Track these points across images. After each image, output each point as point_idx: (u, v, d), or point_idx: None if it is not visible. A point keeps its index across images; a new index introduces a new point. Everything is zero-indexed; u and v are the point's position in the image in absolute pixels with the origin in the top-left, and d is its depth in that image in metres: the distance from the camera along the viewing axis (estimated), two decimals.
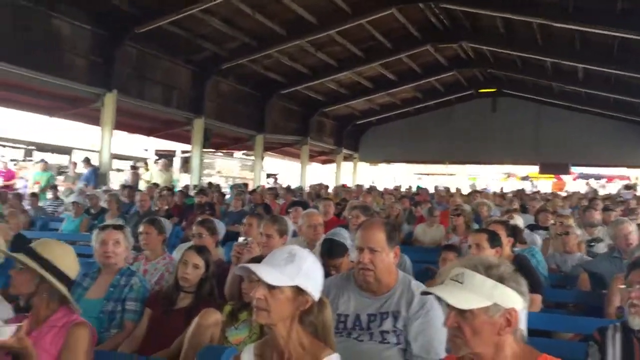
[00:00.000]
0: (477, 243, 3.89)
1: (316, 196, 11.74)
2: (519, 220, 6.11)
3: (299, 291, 1.96)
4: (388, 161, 25.52)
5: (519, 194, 15.08)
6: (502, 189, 19.84)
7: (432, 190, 15.73)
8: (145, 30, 11.92)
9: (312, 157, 22.29)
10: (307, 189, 15.63)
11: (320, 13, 12.93)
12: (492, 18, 13.53)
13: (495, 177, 30.06)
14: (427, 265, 5.12)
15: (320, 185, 15.70)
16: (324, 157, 23.88)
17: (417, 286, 2.60)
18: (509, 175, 30.41)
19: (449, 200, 10.76)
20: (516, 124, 20.74)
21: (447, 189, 15.68)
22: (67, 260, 2.53)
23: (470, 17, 14.11)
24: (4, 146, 20.48)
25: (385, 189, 16.13)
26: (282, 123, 18.95)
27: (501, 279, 1.72)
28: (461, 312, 1.70)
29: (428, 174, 29.94)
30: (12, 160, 17.80)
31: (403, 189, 16.99)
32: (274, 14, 12.76)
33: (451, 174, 28.58)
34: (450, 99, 21.53)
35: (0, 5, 9.66)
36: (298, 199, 10.57)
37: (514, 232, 4.74)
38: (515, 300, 1.72)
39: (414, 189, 17.21)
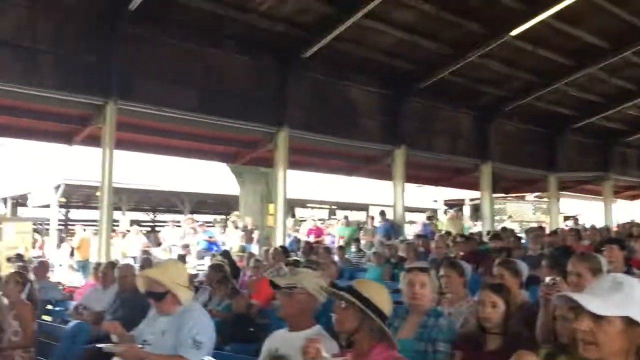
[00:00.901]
0: None
1: (627, 236, 10.45)
2: None
3: (630, 323, 1.72)
4: None
5: None
6: None
7: None
8: (427, 84, 12.48)
9: (617, 193, 20.02)
10: (614, 228, 14.04)
11: (611, 35, 11.88)
12: None
13: None
14: None
15: (632, 223, 13.95)
16: (632, 192, 21.26)
17: None
18: None
19: None
20: None
21: None
22: (383, 299, 2.71)
23: None
24: (312, 207, 23.32)
25: None
26: (577, 159, 17.55)
27: None
28: None
29: None
30: (319, 219, 20.05)
31: None
32: (557, 46, 12.16)
33: None
34: None
35: (301, 82, 11.18)
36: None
37: None
38: None
39: None
